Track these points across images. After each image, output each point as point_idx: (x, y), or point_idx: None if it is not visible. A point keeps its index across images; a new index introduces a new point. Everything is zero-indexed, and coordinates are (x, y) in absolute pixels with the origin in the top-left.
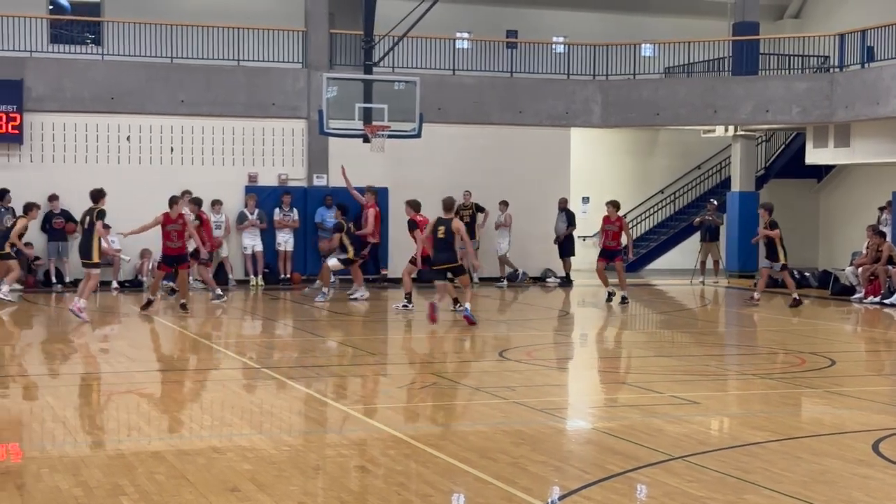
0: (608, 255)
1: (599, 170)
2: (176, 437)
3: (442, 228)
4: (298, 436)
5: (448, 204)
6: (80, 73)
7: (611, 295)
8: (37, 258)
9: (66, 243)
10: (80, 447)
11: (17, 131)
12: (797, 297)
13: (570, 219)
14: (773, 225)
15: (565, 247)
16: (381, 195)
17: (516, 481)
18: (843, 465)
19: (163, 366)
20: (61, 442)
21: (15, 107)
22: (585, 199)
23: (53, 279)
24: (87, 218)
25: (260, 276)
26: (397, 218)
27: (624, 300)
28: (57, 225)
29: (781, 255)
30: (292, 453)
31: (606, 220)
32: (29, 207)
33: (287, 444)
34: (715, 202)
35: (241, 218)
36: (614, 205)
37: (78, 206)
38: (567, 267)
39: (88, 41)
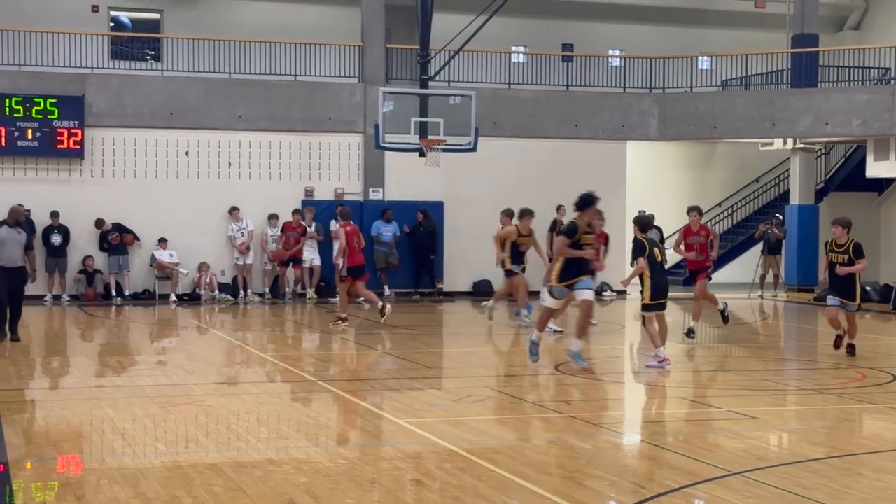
0: (695, 272)
1: (656, 183)
2: (233, 450)
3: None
4: (354, 449)
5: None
6: (139, 89)
7: (724, 314)
8: (97, 271)
9: (126, 257)
10: (138, 459)
11: (78, 146)
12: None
13: (660, 233)
14: (857, 251)
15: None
16: (435, 209)
17: (572, 496)
18: None
19: (220, 378)
20: (120, 453)
21: (77, 122)
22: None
23: (113, 292)
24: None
25: (313, 289)
26: (453, 231)
27: (724, 315)
28: (113, 240)
29: (859, 291)
30: (348, 466)
31: (688, 231)
32: None
33: (343, 457)
34: (780, 216)
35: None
36: (698, 211)
37: (137, 219)
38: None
39: (148, 57)
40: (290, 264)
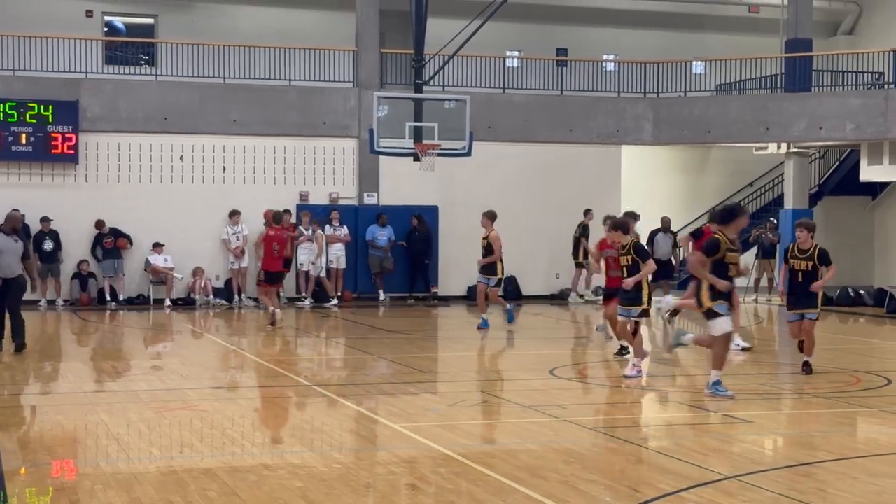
0: (612, 292)
1: (650, 188)
2: (228, 454)
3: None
4: (349, 453)
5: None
6: (134, 93)
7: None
8: (91, 274)
9: (120, 261)
10: (133, 464)
11: (72, 151)
12: None
13: (674, 238)
14: (823, 258)
15: (666, 270)
16: (430, 213)
17: (567, 500)
18: None
19: (214, 383)
20: (115, 458)
21: (71, 127)
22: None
23: (108, 297)
24: None
25: (308, 294)
26: (448, 236)
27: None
28: (108, 244)
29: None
30: (343, 471)
31: (604, 244)
32: None
33: (338, 461)
34: (774, 220)
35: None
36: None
37: (131, 224)
38: (666, 291)
39: (142, 62)
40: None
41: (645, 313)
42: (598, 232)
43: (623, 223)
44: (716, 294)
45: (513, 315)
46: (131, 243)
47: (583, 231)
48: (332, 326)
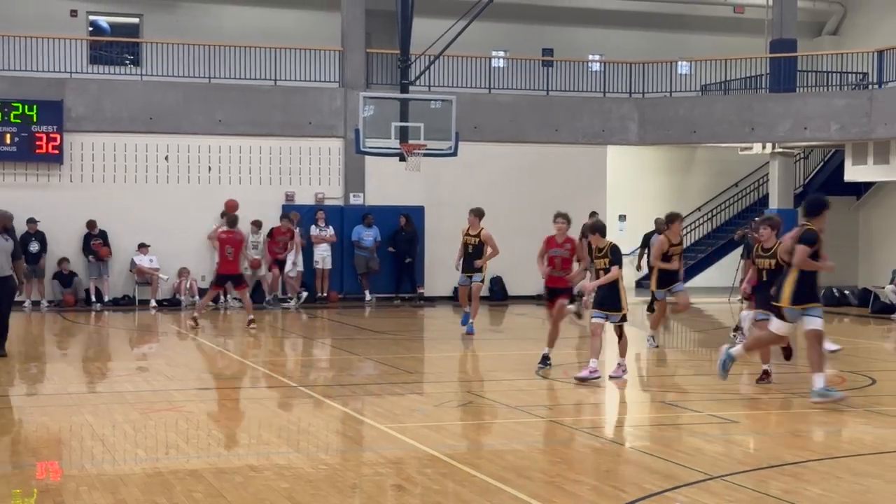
0: (554, 291)
1: (636, 188)
2: (214, 456)
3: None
4: (335, 454)
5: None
6: (119, 93)
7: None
8: (73, 273)
9: (105, 262)
10: (118, 465)
11: (57, 151)
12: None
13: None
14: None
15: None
16: (416, 214)
17: (553, 500)
18: (884, 486)
19: (200, 384)
20: (100, 460)
21: (55, 127)
22: (622, 217)
23: (93, 298)
24: None
25: (295, 294)
26: (434, 236)
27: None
28: (95, 246)
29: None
30: (329, 472)
31: (551, 241)
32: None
33: (324, 462)
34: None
35: None
36: (566, 219)
37: (116, 225)
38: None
39: (127, 62)
40: (282, 265)
41: (626, 318)
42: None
43: (601, 226)
44: (803, 293)
45: (472, 326)
46: (111, 253)
47: (584, 234)
48: (318, 327)
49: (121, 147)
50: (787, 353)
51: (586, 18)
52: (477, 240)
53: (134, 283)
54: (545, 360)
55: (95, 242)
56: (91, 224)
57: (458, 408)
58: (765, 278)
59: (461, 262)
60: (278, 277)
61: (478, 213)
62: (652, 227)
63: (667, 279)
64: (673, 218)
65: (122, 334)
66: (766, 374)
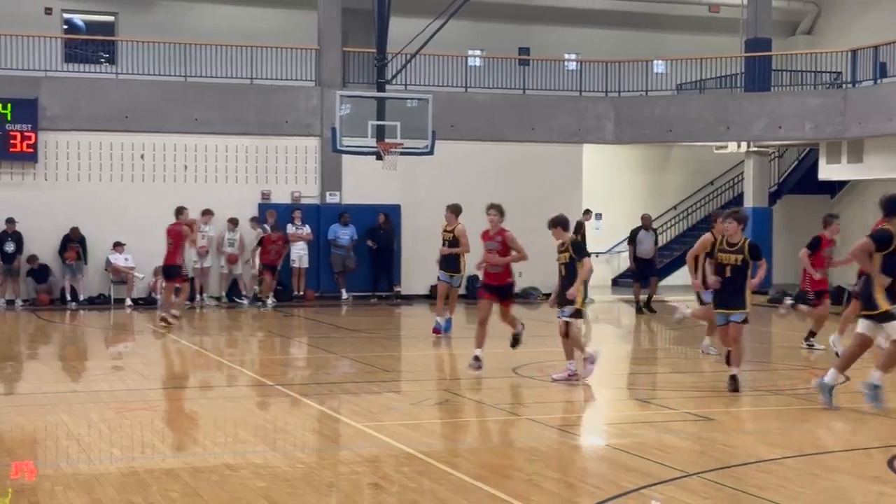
0: (492, 289)
1: (612, 186)
2: (189, 455)
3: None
4: (312, 453)
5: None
6: (94, 92)
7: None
8: (45, 266)
9: (80, 261)
10: (93, 465)
11: (32, 150)
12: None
13: (655, 235)
14: (754, 252)
15: (649, 269)
16: (393, 212)
17: (530, 498)
18: (858, 482)
19: (176, 383)
20: (75, 460)
21: (30, 126)
22: (598, 216)
23: (68, 297)
24: None
25: (271, 293)
26: (411, 235)
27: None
28: (70, 250)
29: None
30: (306, 470)
31: (485, 235)
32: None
33: (300, 461)
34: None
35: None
36: (498, 211)
37: (92, 223)
38: (653, 291)
39: (103, 60)
40: (274, 270)
41: (578, 314)
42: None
43: (563, 220)
44: (892, 295)
45: (449, 324)
46: (79, 256)
47: (577, 230)
48: (294, 326)
49: (96, 146)
50: (728, 358)
51: (562, 17)
52: (451, 235)
53: (109, 282)
54: (476, 360)
55: (73, 247)
56: (74, 231)
57: (435, 406)
58: (728, 275)
59: (440, 259)
60: (271, 283)
61: (454, 210)
62: (638, 224)
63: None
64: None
65: (97, 333)
66: (733, 379)
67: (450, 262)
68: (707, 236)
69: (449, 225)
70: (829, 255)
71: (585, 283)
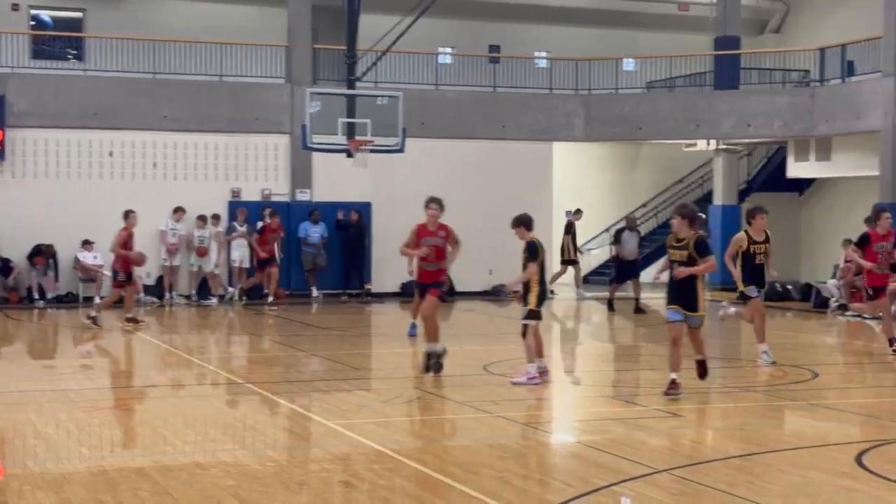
0: (425, 287)
1: (582, 184)
2: (159, 453)
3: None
4: (282, 451)
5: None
6: (62, 88)
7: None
8: (6, 260)
9: (50, 260)
10: (62, 464)
11: None
12: None
13: (639, 236)
14: (701, 248)
15: (631, 270)
16: (363, 210)
17: (501, 495)
18: (826, 478)
19: (146, 382)
20: (43, 459)
21: None
22: (568, 213)
23: (36, 295)
24: None
25: (238, 290)
26: (381, 233)
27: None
28: (42, 257)
29: (703, 299)
30: (276, 469)
31: (423, 230)
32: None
33: (271, 459)
34: (703, 216)
35: (230, 230)
36: (438, 204)
37: (60, 221)
38: (637, 291)
39: (70, 57)
40: (266, 265)
41: (532, 315)
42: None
43: (525, 219)
44: None
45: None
46: (48, 265)
47: (567, 229)
48: (264, 324)
49: (64, 143)
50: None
51: (533, 15)
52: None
53: (78, 280)
54: (429, 357)
55: (43, 256)
56: (48, 247)
57: (406, 404)
58: (675, 272)
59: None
60: (275, 277)
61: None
62: (611, 222)
63: (756, 276)
64: (755, 212)
65: (65, 332)
66: (701, 364)
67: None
68: (740, 234)
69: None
70: (882, 249)
71: (542, 283)
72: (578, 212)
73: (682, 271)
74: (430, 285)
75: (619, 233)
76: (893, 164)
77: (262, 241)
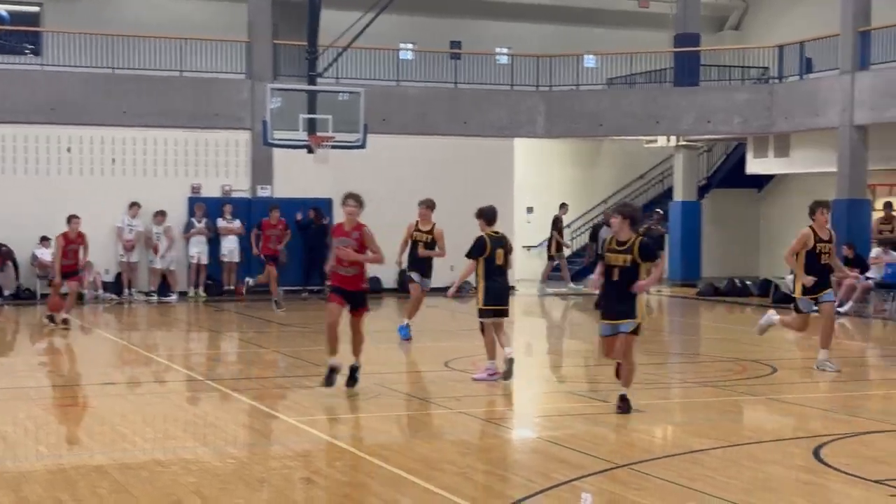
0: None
1: (543, 180)
2: (118, 451)
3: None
4: (243, 448)
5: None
6: (19, 83)
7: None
8: None
9: (8, 263)
10: (20, 462)
11: None
12: None
13: None
14: (645, 253)
15: None
16: (324, 206)
17: (463, 491)
18: (785, 472)
19: (105, 379)
20: (1, 457)
21: None
22: (529, 210)
23: None
24: None
25: (201, 288)
26: None
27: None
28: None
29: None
30: (237, 466)
31: (339, 229)
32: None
33: (232, 456)
34: (661, 212)
35: (188, 227)
36: (357, 201)
37: (17, 217)
38: None
39: (27, 51)
40: (274, 261)
41: (480, 313)
42: (544, 223)
43: (487, 212)
44: None
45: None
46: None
47: (555, 224)
48: (225, 320)
49: (21, 138)
50: (618, 371)
51: (494, 11)
52: (430, 237)
53: (35, 277)
54: (353, 371)
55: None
56: (7, 252)
57: (367, 400)
58: (615, 278)
59: (406, 258)
60: (274, 276)
61: (430, 206)
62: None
63: (822, 279)
64: (818, 206)
65: (23, 329)
66: (623, 400)
67: (423, 263)
68: (806, 230)
69: (424, 224)
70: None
71: (489, 279)
72: (564, 206)
73: (641, 285)
74: (354, 297)
75: (596, 228)
76: (851, 160)
77: (264, 237)
